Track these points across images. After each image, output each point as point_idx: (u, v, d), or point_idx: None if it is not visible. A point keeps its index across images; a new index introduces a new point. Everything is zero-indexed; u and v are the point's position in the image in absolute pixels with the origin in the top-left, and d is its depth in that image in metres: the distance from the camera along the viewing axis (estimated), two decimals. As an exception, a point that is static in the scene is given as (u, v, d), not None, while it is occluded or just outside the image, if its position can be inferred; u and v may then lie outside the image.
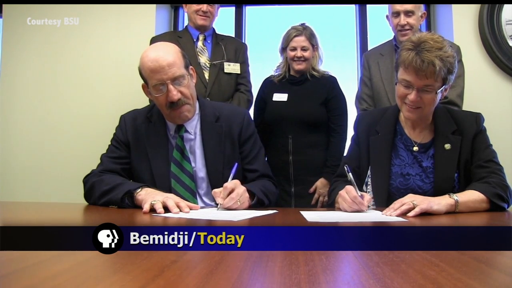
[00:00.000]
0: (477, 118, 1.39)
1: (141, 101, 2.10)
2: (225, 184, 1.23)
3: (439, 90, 1.28)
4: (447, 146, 1.35)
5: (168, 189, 1.41)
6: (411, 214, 1.09)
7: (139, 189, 1.28)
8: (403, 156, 1.41)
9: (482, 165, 1.32)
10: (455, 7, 2.56)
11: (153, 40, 2.20)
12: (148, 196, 1.22)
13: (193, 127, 1.49)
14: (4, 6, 2.78)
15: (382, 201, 1.37)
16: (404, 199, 1.16)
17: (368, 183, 1.44)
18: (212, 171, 1.46)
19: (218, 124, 1.50)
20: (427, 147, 1.39)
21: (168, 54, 1.35)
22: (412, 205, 1.11)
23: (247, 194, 1.29)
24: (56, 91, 2.70)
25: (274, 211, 1.23)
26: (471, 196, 1.21)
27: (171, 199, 1.17)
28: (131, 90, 2.47)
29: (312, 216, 1.08)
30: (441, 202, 1.15)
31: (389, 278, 0.47)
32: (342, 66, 2.93)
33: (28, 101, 2.71)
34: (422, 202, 1.12)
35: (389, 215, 1.11)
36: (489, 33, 2.46)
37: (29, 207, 1.49)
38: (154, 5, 2.70)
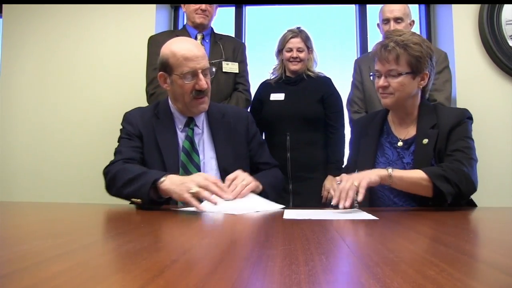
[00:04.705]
0: (460, 112, 1.39)
1: (141, 100, 2.10)
2: (227, 177, 1.32)
3: (408, 76, 1.32)
4: (425, 141, 1.36)
5: None
6: (359, 198, 1.12)
7: (163, 177, 1.24)
8: (388, 154, 1.44)
9: (448, 154, 1.32)
10: (455, 7, 2.56)
11: (152, 39, 2.19)
12: (177, 187, 1.19)
13: (201, 122, 1.54)
14: (4, 6, 2.79)
15: (365, 200, 1.36)
16: (345, 185, 1.15)
17: None
18: (223, 162, 1.49)
19: (225, 120, 1.57)
20: (409, 143, 1.42)
21: (199, 47, 1.46)
22: (355, 187, 1.13)
23: (250, 177, 1.36)
24: (55, 91, 2.70)
25: (281, 206, 1.31)
26: (410, 173, 1.24)
27: (203, 189, 1.16)
28: (132, 89, 2.48)
29: (289, 214, 1.09)
30: (374, 173, 1.20)
31: (389, 278, 0.46)
32: (342, 67, 2.93)
33: (28, 101, 2.72)
34: (362, 180, 1.15)
35: (342, 207, 1.11)
36: (489, 33, 2.46)
37: (28, 208, 1.49)
38: (154, 5, 2.70)
